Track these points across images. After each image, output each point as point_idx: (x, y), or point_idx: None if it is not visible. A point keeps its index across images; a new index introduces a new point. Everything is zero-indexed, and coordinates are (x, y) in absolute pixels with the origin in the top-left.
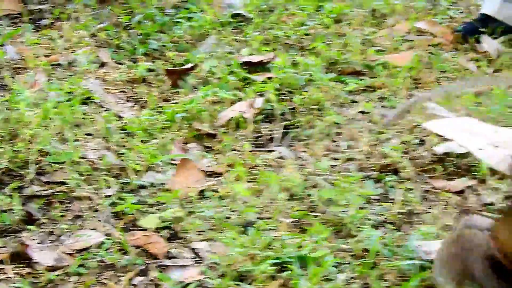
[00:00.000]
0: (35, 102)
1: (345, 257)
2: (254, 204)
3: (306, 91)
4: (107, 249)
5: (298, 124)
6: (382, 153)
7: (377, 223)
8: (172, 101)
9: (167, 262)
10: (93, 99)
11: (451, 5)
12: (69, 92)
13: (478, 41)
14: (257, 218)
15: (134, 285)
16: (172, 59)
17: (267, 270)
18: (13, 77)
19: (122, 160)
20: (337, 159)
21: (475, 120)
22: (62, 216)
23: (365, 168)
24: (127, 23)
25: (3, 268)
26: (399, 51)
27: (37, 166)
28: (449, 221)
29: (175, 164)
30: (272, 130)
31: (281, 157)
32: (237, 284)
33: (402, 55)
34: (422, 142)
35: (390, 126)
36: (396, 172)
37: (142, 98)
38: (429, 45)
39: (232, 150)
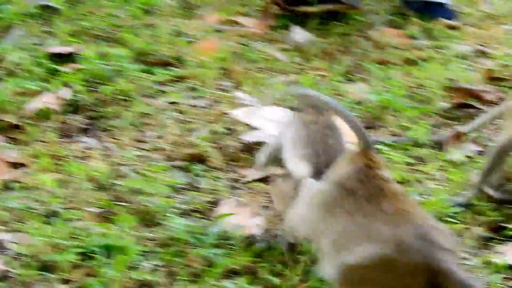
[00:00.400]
0: None
1: (151, 245)
2: (60, 194)
3: (115, 82)
4: None
5: (106, 115)
6: (190, 143)
7: (183, 212)
8: None
9: None
10: None
11: None
12: None
13: (289, 33)
14: (62, 208)
15: None
16: None
17: (71, 259)
18: None
19: None
20: (145, 149)
21: (283, 109)
22: None
23: (173, 158)
24: None
25: None
26: (209, 42)
27: None
28: (256, 208)
29: None
30: (79, 121)
31: (88, 148)
32: (41, 274)
33: (212, 46)
34: (230, 131)
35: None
36: (203, 161)
37: None
38: (240, 36)
39: (39, 141)
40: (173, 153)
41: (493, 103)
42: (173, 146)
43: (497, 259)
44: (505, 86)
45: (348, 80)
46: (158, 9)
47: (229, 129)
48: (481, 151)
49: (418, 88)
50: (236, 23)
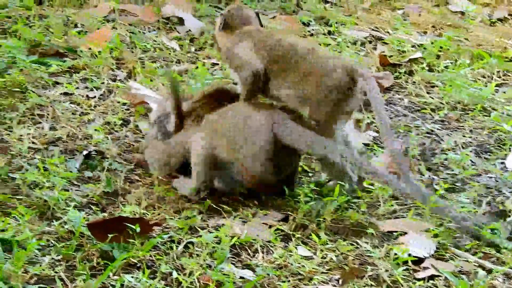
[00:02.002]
0: None
1: (50, 239)
2: None
3: (9, 74)
4: None
5: (0, 107)
6: (86, 134)
7: (81, 204)
8: None
9: None
10: None
11: None
12: None
13: (182, 22)
14: None
15: None
16: None
17: None
18: None
19: None
20: (40, 142)
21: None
22: None
23: (69, 150)
24: None
25: None
26: (101, 32)
27: None
28: (152, 201)
29: None
30: None
31: None
32: None
33: (103, 35)
34: (125, 122)
35: None
36: (100, 152)
37: None
38: (130, 25)
39: None
40: (69, 145)
41: (389, 89)
42: (69, 138)
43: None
44: (400, 72)
45: None
46: None
47: (124, 120)
48: (376, 138)
49: None
50: (128, 12)
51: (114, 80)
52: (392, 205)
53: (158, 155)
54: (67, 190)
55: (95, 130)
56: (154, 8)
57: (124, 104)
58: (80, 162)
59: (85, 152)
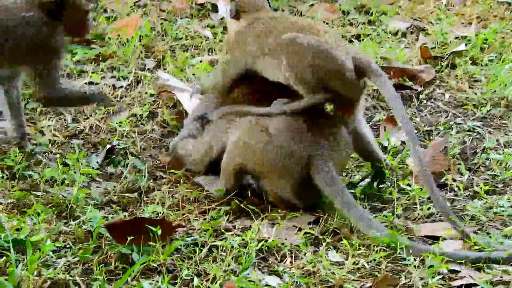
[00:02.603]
0: None
1: (67, 240)
2: None
3: None
4: None
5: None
6: (110, 127)
7: (101, 202)
8: None
9: None
10: None
11: None
12: None
13: (216, 9)
14: None
15: None
16: None
17: None
18: None
19: None
20: (62, 135)
21: None
22: None
23: (92, 143)
24: None
25: None
26: (131, 19)
27: None
28: (177, 200)
29: None
30: None
31: (2, 132)
32: None
33: (133, 22)
34: (153, 115)
35: None
36: (124, 147)
37: None
38: (162, 11)
39: None
40: (91, 139)
41: (429, 84)
42: (92, 131)
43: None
44: (442, 65)
45: None
46: None
47: (151, 112)
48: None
49: None
50: None
51: (143, 70)
52: (429, 208)
53: (193, 151)
54: (88, 187)
55: (120, 123)
56: None
57: (152, 95)
58: (102, 157)
59: (108, 147)
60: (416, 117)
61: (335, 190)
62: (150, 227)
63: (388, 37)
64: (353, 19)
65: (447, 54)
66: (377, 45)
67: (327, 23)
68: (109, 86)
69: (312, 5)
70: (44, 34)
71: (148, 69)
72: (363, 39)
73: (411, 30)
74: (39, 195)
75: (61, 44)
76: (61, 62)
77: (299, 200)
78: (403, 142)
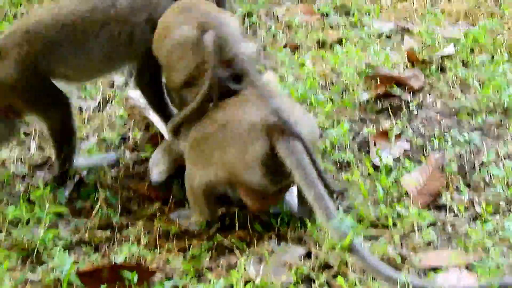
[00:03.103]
0: None
1: None
2: None
3: None
4: None
5: None
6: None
7: (71, 243)
8: None
9: None
10: None
11: None
12: None
13: None
14: None
15: None
16: None
17: None
18: None
19: None
20: (27, 165)
21: None
22: None
23: (59, 177)
24: None
25: None
26: None
27: None
28: (153, 237)
29: None
30: None
31: None
32: None
33: None
34: (124, 140)
35: None
36: (95, 178)
37: None
38: None
39: None
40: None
41: (419, 91)
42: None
43: None
44: (429, 70)
45: None
46: None
47: (123, 137)
48: (408, 150)
49: (334, 74)
50: None
51: (112, 87)
52: (429, 233)
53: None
54: (55, 226)
55: (89, 150)
56: None
57: (122, 117)
58: (70, 190)
59: (76, 178)
60: (407, 129)
61: (296, 160)
62: (125, 273)
63: (373, 40)
64: (332, 20)
65: (435, 57)
66: (361, 50)
67: (306, 27)
68: (75, 108)
69: (287, 8)
70: None
71: (118, 86)
72: (345, 43)
73: (395, 31)
74: (2, 239)
75: None
76: None
77: (271, 183)
78: (396, 159)
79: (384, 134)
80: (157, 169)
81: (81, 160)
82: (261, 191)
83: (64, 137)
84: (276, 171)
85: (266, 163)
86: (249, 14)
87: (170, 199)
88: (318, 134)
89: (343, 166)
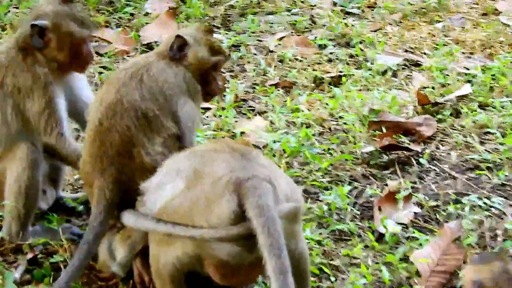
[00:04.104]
0: None
1: None
2: None
3: None
4: None
5: None
6: None
7: None
8: None
9: None
10: None
11: None
12: None
13: None
14: None
15: None
16: None
17: None
18: None
19: None
20: None
21: None
22: None
23: (10, 252)
24: None
25: None
26: None
27: None
28: None
29: None
30: None
31: None
32: None
33: None
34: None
35: None
36: (50, 254)
37: None
38: (100, 56)
39: None
40: (7, 246)
41: (431, 139)
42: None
43: None
44: (442, 115)
45: (239, 113)
46: None
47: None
48: (417, 213)
49: (332, 120)
50: (98, 38)
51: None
52: None
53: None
54: None
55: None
56: (132, 32)
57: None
58: (22, 271)
59: (29, 256)
60: (418, 188)
61: (264, 222)
62: None
63: (378, 78)
64: (331, 53)
65: (449, 98)
66: (363, 90)
67: (302, 62)
68: None
69: (281, 38)
70: None
71: None
72: (346, 82)
73: (402, 66)
74: None
75: None
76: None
77: (245, 249)
78: (405, 227)
79: (391, 197)
80: (116, 260)
81: None
82: (233, 264)
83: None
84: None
85: (235, 223)
86: (236, 46)
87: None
88: (301, 201)
89: (342, 236)
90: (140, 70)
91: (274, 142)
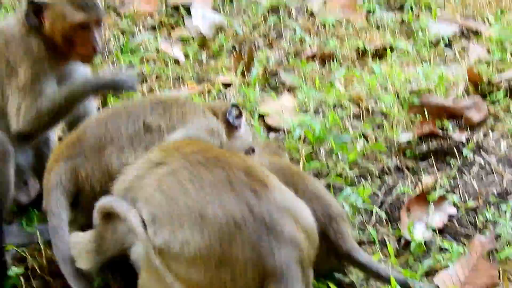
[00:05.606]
0: None
1: None
2: None
3: None
4: None
5: None
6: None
7: None
8: None
9: None
10: None
11: None
12: None
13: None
14: None
15: None
16: None
17: None
18: None
19: None
20: None
21: None
22: None
23: None
24: None
25: None
26: None
27: None
28: None
29: None
30: None
31: None
32: None
33: None
34: None
35: None
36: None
37: None
38: (119, 16)
39: None
40: None
41: (479, 125)
42: None
43: None
44: (496, 96)
45: (267, 89)
46: None
47: None
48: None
49: (369, 100)
50: None
51: None
52: None
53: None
54: None
55: None
56: None
57: None
58: None
59: None
60: (457, 183)
61: None
62: None
63: (426, 49)
64: (380, 19)
65: (505, 77)
66: (410, 64)
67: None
68: None
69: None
70: None
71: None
72: (391, 54)
73: (459, 35)
74: None
75: None
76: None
77: None
78: (434, 231)
79: (423, 197)
80: (83, 261)
81: None
82: None
83: None
84: None
85: None
86: (274, 10)
87: None
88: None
89: (362, 243)
90: None
91: (298, 126)
